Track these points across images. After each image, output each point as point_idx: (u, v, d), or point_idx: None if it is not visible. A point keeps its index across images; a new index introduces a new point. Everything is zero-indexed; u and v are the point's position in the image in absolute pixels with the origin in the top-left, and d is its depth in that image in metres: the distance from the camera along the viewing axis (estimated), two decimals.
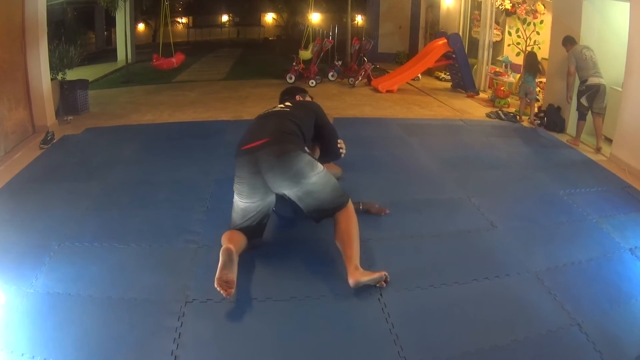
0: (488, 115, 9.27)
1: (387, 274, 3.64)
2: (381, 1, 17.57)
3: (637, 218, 5.04)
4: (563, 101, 8.17)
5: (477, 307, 3.48)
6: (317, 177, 3.87)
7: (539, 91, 10.12)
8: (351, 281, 3.51)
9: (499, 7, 11.82)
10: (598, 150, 7.41)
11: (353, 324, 3.29)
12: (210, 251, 4.09)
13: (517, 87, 10.05)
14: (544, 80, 9.76)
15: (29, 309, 3.38)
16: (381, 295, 3.55)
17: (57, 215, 4.78)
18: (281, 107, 4.45)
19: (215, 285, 3.32)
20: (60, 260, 3.99)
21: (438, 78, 13.72)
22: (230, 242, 3.69)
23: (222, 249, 3.59)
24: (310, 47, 13.06)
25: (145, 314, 3.36)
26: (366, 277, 3.53)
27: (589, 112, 7.56)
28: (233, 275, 3.43)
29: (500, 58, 12.07)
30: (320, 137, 4.62)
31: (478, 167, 6.39)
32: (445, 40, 11.93)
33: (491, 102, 10.44)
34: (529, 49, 11.62)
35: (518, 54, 11.78)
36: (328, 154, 4.81)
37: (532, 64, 8.98)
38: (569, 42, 7.74)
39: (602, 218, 4.97)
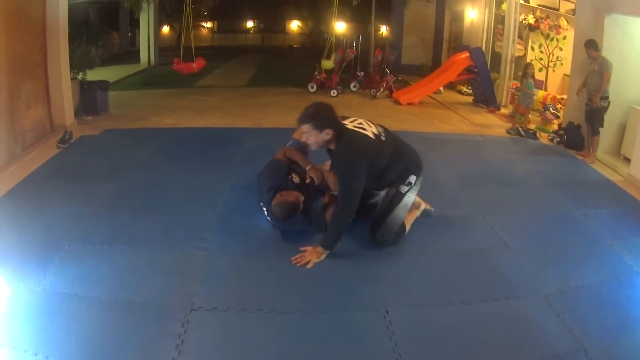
0: (508, 132, 9.17)
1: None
2: (405, 13, 17.50)
3: None
4: (583, 119, 8.06)
5: (483, 328, 3.44)
6: None
7: (560, 108, 10.02)
8: None
9: (522, 21, 11.73)
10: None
11: (357, 339, 3.28)
12: (220, 259, 4.16)
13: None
14: (565, 97, 9.68)
15: (36, 307, 3.44)
16: (387, 312, 3.53)
17: (69, 215, 4.83)
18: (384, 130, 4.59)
19: None
20: (69, 260, 4.04)
21: (460, 92, 13.62)
22: None
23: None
24: (333, 57, 13.04)
25: (150, 319, 3.38)
26: None
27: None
28: None
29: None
30: None
31: (495, 184, 6.33)
32: (468, 54, 11.87)
33: (512, 117, 10.34)
34: (551, 65, 11.53)
35: (540, 70, 11.67)
36: None
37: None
38: (594, 48, 7.59)
39: (616, 240, 4.89)
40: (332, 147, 4.22)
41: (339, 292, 3.79)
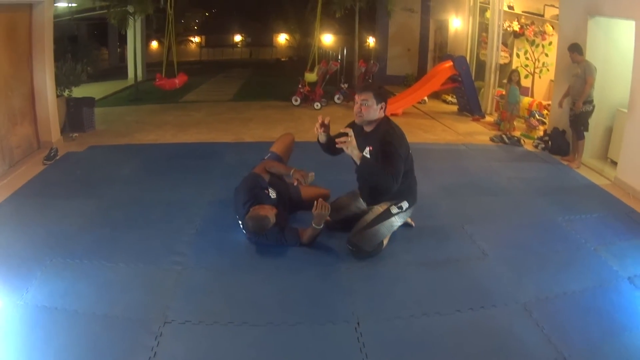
0: (492, 139, 9.16)
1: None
2: (390, 23, 17.43)
3: (639, 245, 4.88)
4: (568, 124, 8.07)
5: (457, 340, 3.40)
6: None
7: (546, 114, 10.02)
8: None
9: (507, 28, 11.75)
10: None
11: (326, 352, 3.26)
12: (194, 273, 4.18)
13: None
14: (550, 102, 9.69)
15: (18, 320, 3.50)
16: (358, 324, 3.51)
17: (52, 231, 4.89)
18: None
19: None
20: (51, 274, 4.10)
21: (445, 101, 13.58)
22: None
23: None
24: (316, 70, 13.01)
25: (125, 332, 3.41)
26: None
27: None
28: None
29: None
30: None
31: (475, 193, 6.28)
32: (451, 63, 11.88)
33: (497, 125, 10.35)
34: (537, 71, 11.55)
35: (527, 76, 11.64)
36: None
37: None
38: (579, 51, 7.61)
39: (601, 245, 4.83)
40: (369, 129, 4.47)
41: (311, 304, 3.79)
